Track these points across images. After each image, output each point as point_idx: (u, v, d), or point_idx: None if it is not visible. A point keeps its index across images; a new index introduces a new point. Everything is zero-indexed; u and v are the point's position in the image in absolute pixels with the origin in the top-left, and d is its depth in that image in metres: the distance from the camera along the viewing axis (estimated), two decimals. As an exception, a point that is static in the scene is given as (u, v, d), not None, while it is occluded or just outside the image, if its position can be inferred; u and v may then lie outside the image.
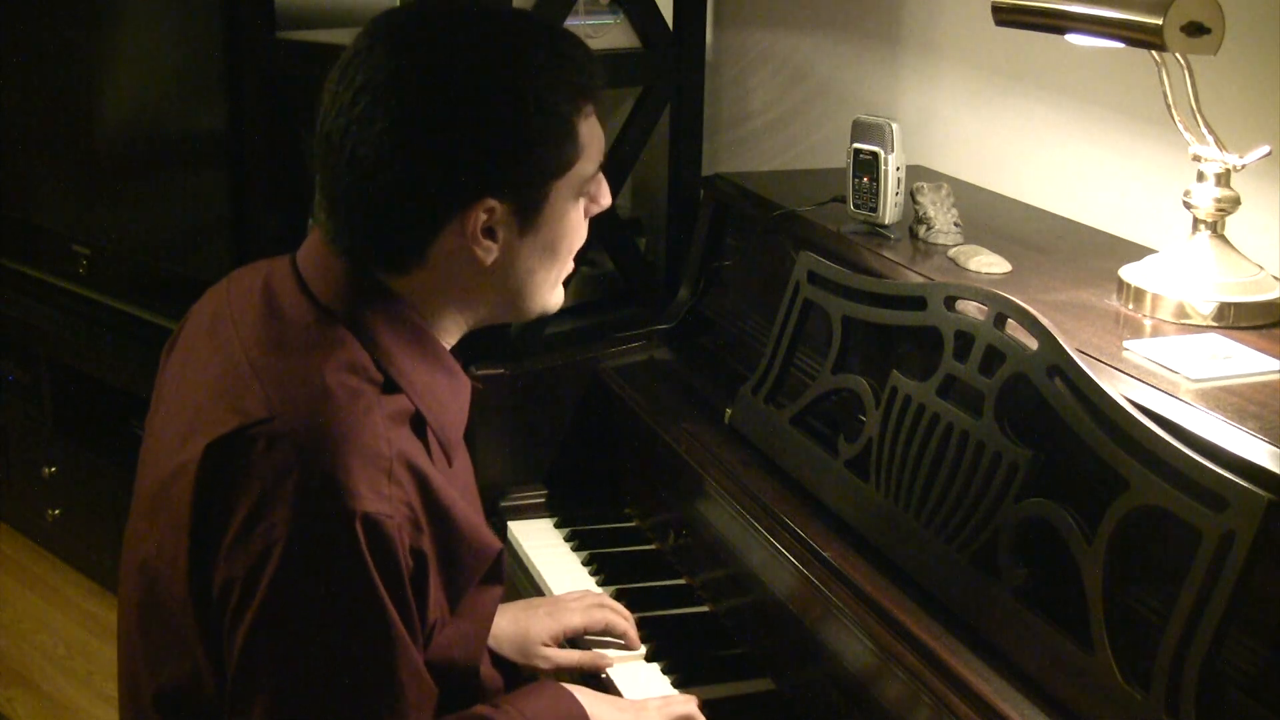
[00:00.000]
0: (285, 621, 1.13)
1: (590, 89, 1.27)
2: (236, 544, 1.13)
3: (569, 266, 1.34)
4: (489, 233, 1.23)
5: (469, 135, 1.20)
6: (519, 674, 1.55)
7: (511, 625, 1.60)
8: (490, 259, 1.24)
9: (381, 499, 1.13)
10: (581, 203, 1.30)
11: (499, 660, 1.52)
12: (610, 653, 1.65)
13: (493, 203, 1.22)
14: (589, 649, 1.66)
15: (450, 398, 1.29)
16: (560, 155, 1.25)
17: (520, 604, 1.66)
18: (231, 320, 1.27)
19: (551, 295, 1.33)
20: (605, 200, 1.34)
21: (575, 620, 1.64)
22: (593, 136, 1.28)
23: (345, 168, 1.21)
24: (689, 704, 1.51)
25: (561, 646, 1.64)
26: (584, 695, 1.43)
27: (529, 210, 1.25)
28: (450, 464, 1.28)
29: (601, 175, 1.33)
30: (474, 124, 1.20)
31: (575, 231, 1.31)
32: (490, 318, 1.33)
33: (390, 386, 1.22)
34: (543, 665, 1.59)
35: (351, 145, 1.20)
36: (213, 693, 1.18)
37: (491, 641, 1.54)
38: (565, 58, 1.25)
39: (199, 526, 1.16)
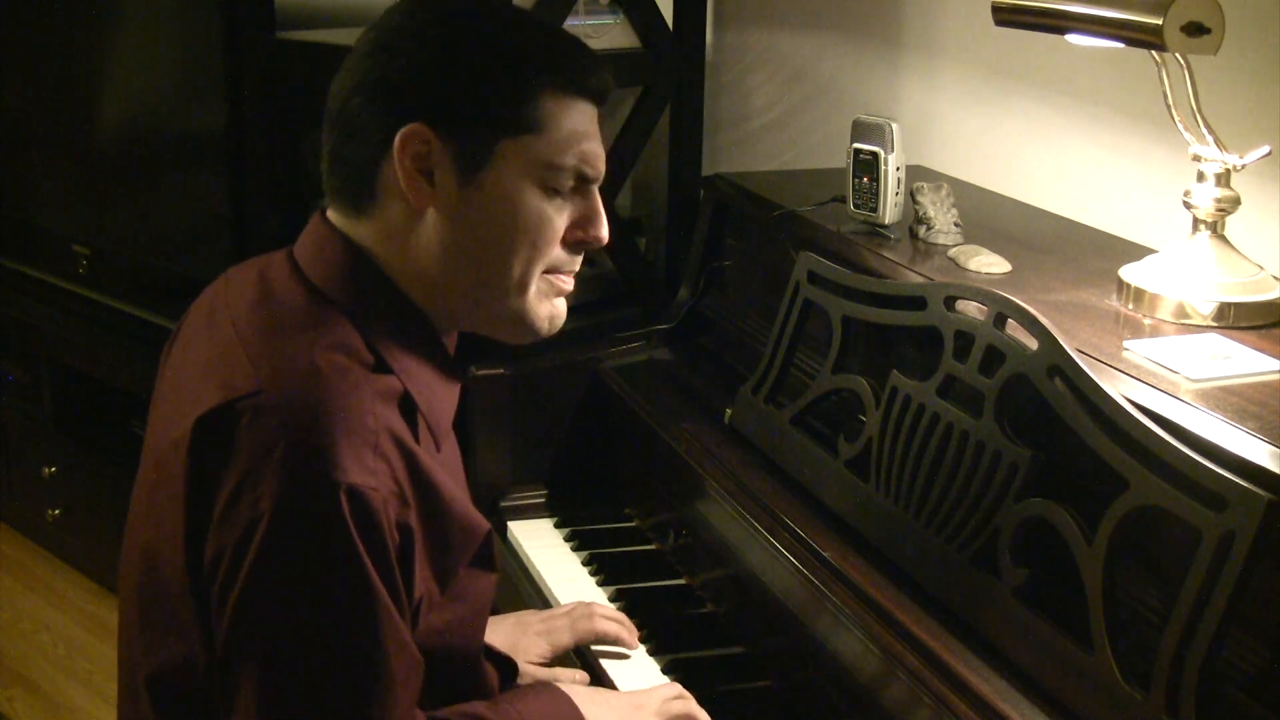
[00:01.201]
0: (272, 592, 1.13)
1: (574, 78, 1.25)
2: (224, 516, 1.14)
3: (562, 282, 1.31)
4: (426, 174, 1.23)
5: (417, 54, 1.23)
6: (514, 674, 1.55)
7: (503, 642, 1.59)
8: (422, 200, 1.23)
9: (367, 471, 1.14)
10: (558, 204, 1.27)
11: (493, 655, 1.52)
12: (605, 659, 1.65)
13: (426, 131, 1.21)
14: (588, 657, 1.66)
15: (441, 384, 1.29)
16: (511, 111, 1.23)
17: (514, 619, 1.66)
18: (227, 308, 1.28)
19: (525, 300, 1.28)
20: (594, 230, 1.30)
21: (565, 639, 1.64)
22: (566, 122, 1.25)
23: (330, 99, 1.27)
24: (688, 702, 1.51)
25: (557, 660, 1.64)
26: (581, 698, 1.43)
27: (470, 161, 1.23)
28: (438, 449, 1.29)
29: (596, 204, 1.30)
30: (426, 46, 1.23)
31: (535, 219, 1.25)
32: (467, 312, 1.30)
33: (381, 369, 1.23)
34: (524, 682, 1.58)
35: (340, 72, 1.27)
36: (204, 672, 1.19)
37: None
38: (557, 41, 1.27)
39: (193, 501, 1.17)
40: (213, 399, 1.17)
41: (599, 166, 1.29)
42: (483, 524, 1.28)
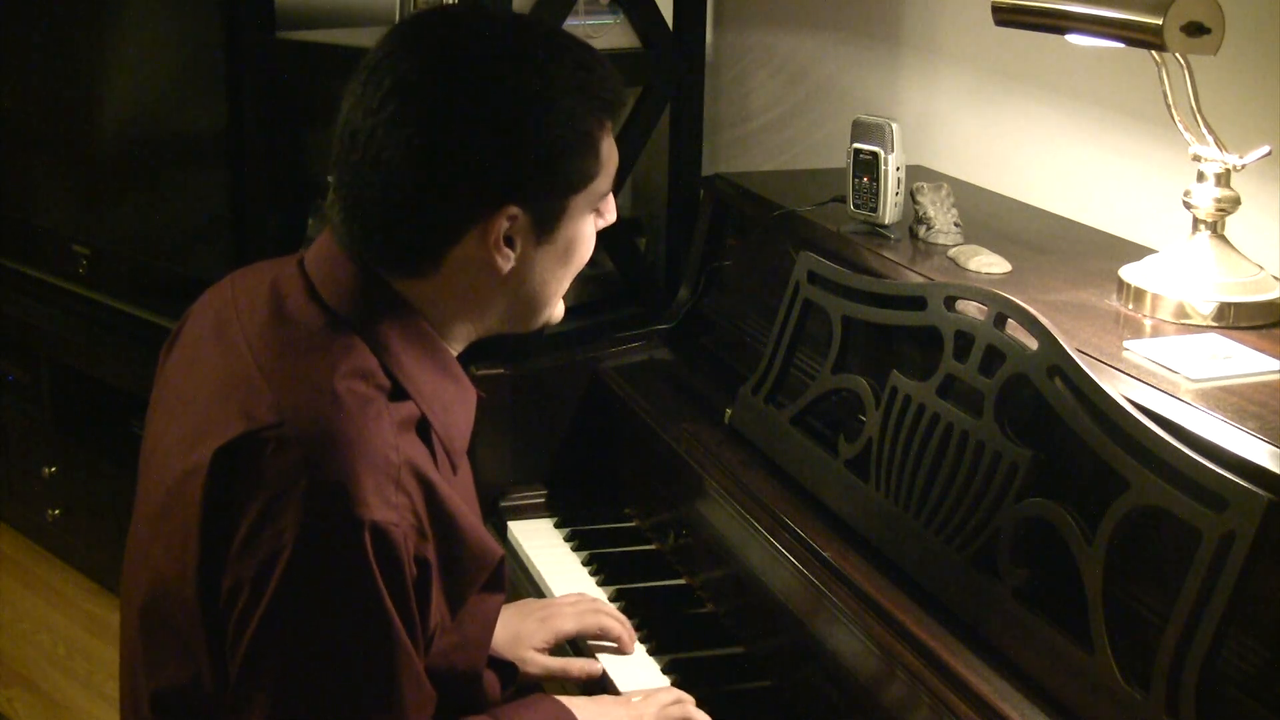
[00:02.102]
0: (290, 626, 1.13)
1: (613, 106, 1.28)
2: (245, 547, 1.13)
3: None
4: (508, 241, 1.24)
5: (498, 142, 1.21)
6: (514, 676, 1.55)
7: (504, 629, 1.59)
8: (508, 267, 1.25)
9: (389, 507, 1.14)
10: (591, 216, 1.32)
11: (494, 662, 1.52)
12: (605, 657, 1.65)
13: (516, 210, 1.23)
14: (585, 652, 1.66)
15: (457, 406, 1.29)
16: (583, 169, 1.26)
17: (515, 607, 1.66)
18: (238, 323, 1.27)
19: (557, 305, 1.34)
20: (611, 216, 1.35)
21: (568, 626, 1.64)
22: (611, 153, 1.30)
23: (370, 170, 1.21)
24: (686, 706, 1.51)
25: (555, 649, 1.64)
26: (579, 707, 1.43)
27: (547, 221, 1.26)
28: (455, 472, 1.28)
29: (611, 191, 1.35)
30: (503, 131, 1.21)
31: (587, 244, 1.32)
32: (497, 327, 1.33)
33: (397, 392, 1.22)
34: (531, 670, 1.60)
35: (377, 148, 1.20)
36: (211, 696, 1.19)
37: None
38: (592, 73, 1.27)
39: (209, 531, 1.16)
40: (233, 429, 1.16)
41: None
42: (496, 550, 1.28)
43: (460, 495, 1.27)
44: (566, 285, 1.34)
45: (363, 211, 1.23)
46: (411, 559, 1.16)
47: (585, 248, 1.32)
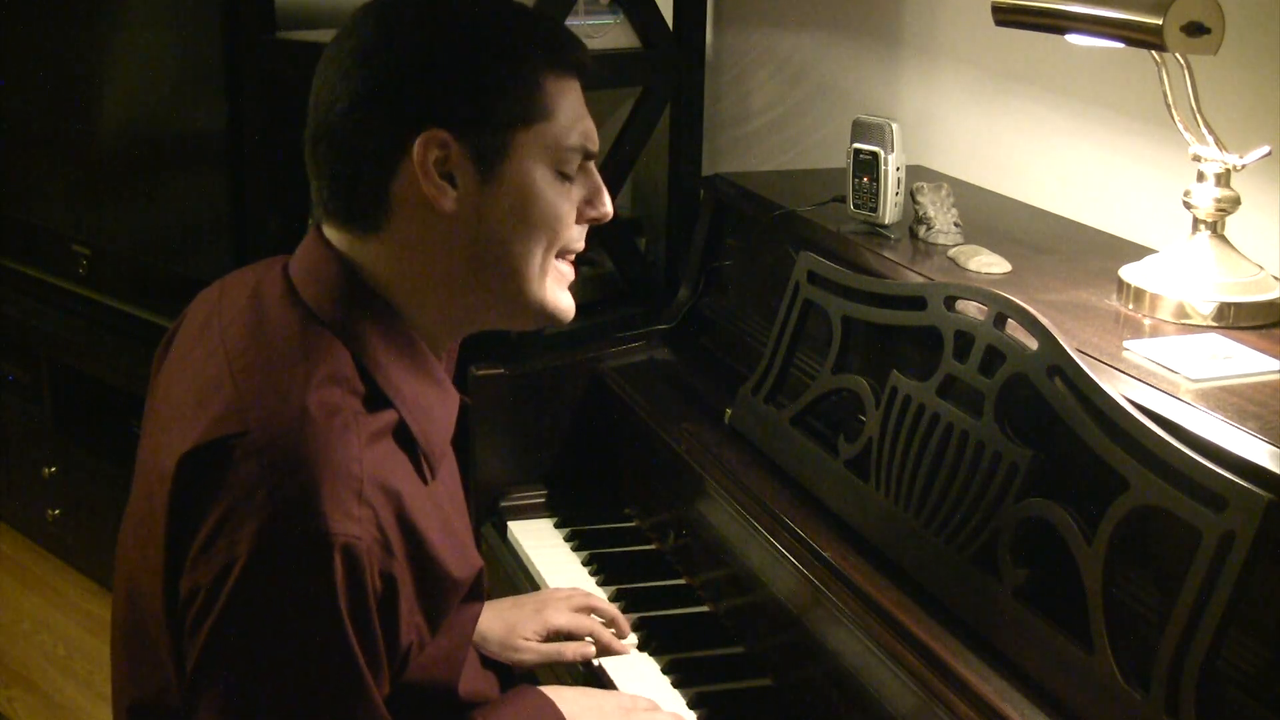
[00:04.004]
0: (240, 636, 1.11)
1: (565, 57, 1.25)
2: (202, 554, 1.11)
3: (565, 269, 1.30)
4: (447, 177, 1.21)
5: (419, 57, 1.19)
6: (512, 674, 1.54)
7: (498, 621, 1.59)
8: (448, 204, 1.20)
9: (350, 520, 1.11)
10: (568, 188, 1.26)
11: (494, 664, 1.51)
12: (606, 659, 1.65)
13: (443, 135, 1.19)
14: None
15: (439, 409, 1.26)
16: (521, 103, 1.22)
17: (508, 601, 1.66)
18: (219, 327, 1.25)
19: (545, 285, 1.27)
20: (603, 207, 1.30)
21: (560, 620, 1.64)
22: (566, 103, 1.25)
23: (313, 111, 1.23)
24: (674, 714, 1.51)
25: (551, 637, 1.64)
26: (566, 703, 1.42)
27: (488, 157, 1.21)
28: (434, 475, 1.26)
29: (598, 180, 1.30)
30: (426, 48, 1.20)
31: (551, 203, 1.25)
32: (485, 307, 1.28)
33: (374, 396, 1.19)
34: (526, 657, 1.59)
35: (318, 86, 1.22)
36: (179, 706, 1.17)
37: (476, 638, 1.53)
38: (541, 21, 1.25)
39: (173, 538, 1.14)
40: (198, 435, 1.14)
41: (597, 141, 1.29)
42: (474, 562, 1.26)
43: (444, 499, 1.25)
44: (541, 255, 1.26)
45: (314, 157, 1.23)
46: (375, 574, 1.13)
47: (546, 206, 1.24)
